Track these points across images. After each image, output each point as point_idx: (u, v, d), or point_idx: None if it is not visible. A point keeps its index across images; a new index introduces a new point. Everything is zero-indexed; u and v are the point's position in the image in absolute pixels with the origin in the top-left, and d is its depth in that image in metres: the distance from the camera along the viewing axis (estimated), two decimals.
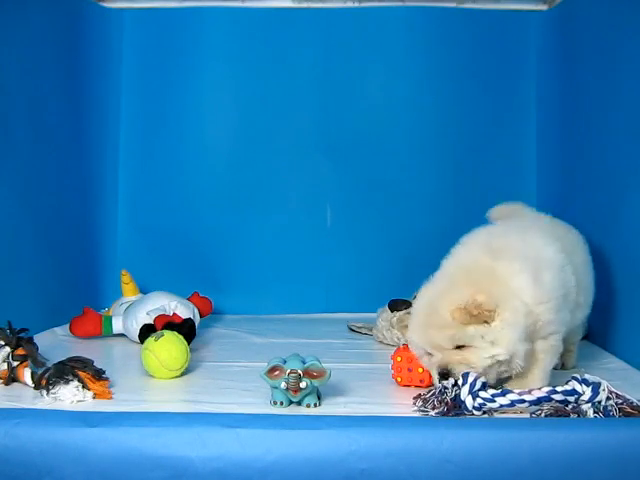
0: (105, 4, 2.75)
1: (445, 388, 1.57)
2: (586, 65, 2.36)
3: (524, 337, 1.60)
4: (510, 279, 1.64)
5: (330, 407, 1.63)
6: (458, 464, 1.32)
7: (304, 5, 2.77)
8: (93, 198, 2.72)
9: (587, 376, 1.53)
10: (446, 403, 1.54)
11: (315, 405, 1.63)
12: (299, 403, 1.63)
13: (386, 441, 1.34)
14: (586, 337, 2.17)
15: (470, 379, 1.54)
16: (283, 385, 1.59)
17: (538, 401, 1.50)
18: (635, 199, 2.00)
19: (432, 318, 1.63)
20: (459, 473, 1.32)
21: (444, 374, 1.60)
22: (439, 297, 1.64)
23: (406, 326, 2.23)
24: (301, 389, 1.59)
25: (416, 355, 1.73)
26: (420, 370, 1.78)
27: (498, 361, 1.58)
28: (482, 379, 1.55)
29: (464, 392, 1.53)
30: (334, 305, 2.77)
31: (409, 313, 2.25)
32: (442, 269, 1.74)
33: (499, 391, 1.54)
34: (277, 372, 1.62)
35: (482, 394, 1.53)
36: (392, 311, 2.31)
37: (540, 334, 1.66)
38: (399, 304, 2.31)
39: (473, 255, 1.71)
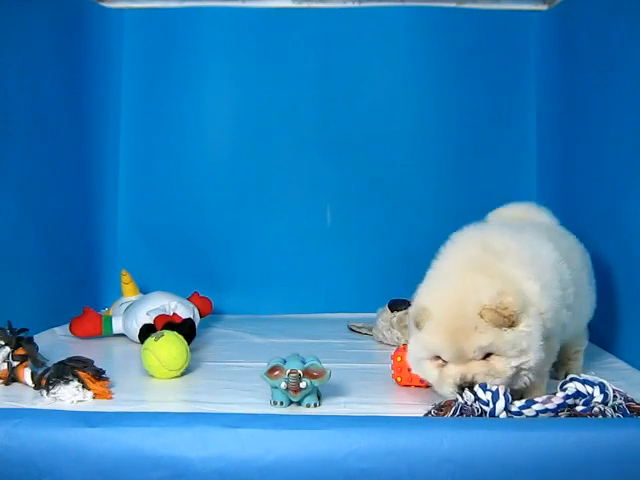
0: (105, 4, 2.75)
1: (466, 404, 1.48)
2: (586, 65, 2.36)
3: (543, 345, 1.53)
4: (520, 284, 1.56)
5: (330, 407, 1.63)
6: (458, 464, 1.32)
7: (304, 5, 2.77)
8: (93, 198, 2.72)
9: (585, 376, 1.53)
10: None
11: (315, 405, 1.63)
12: (299, 403, 1.63)
13: (386, 441, 1.34)
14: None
15: (501, 392, 1.46)
16: (283, 385, 1.59)
17: (557, 408, 1.47)
18: (635, 199, 2.00)
19: (460, 321, 1.51)
20: (459, 473, 1.32)
21: (465, 387, 1.49)
22: (465, 298, 1.52)
23: (406, 326, 2.25)
24: (301, 389, 1.59)
25: (412, 364, 1.61)
26: None
27: (523, 369, 1.51)
28: (509, 391, 1.48)
29: (499, 407, 1.45)
30: (334, 305, 2.77)
31: (409, 313, 2.27)
32: (446, 268, 1.64)
33: (524, 402, 1.47)
34: (277, 372, 1.62)
35: (511, 408, 1.47)
36: (392, 311, 2.31)
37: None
38: (399, 304, 2.31)
39: (475, 255, 1.62)
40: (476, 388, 1.48)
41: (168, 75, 2.79)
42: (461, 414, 1.47)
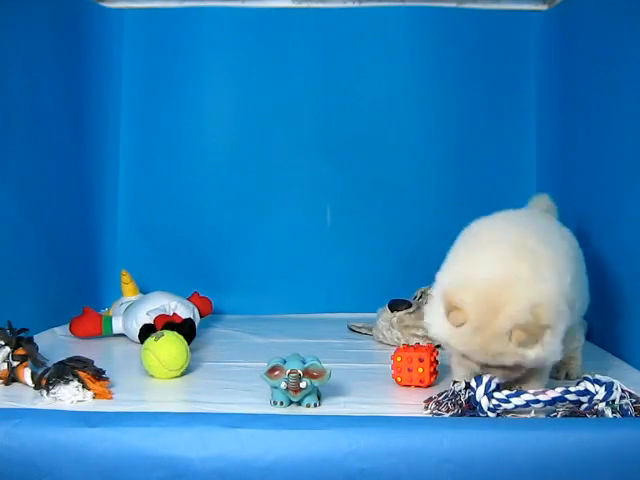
0: (105, 4, 2.75)
1: (459, 390, 1.54)
2: (586, 65, 2.36)
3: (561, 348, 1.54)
4: (548, 290, 1.53)
5: (330, 407, 1.63)
6: (458, 464, 1.32)
7: (304, 5, 2.77)
8: (93, 198, 2.72)
9: (598, 376, 1.52)
10: (460, 405, 1.52)
11: (315, 405, 1.63)
12: (299, 403, 1.63)
13: (386, 441, 1.34)
14: (586, 337, 2.17)
15: (485, 379, 1.50)
16: (283, 385, 1.59)
17: (553, 401, 1.48)
18: (636, 199, 2.00)
19: (490, 325, 1.49)
20: (459, 473, 1.32)
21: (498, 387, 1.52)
22: (497, 302, 1.49)
23: (406, 326, 2.25)
24: (301, 389, 1.59)
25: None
26: (420, 370, 1.78)
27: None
28: (496, 380, 1.51)
29: (479, 393, 1.49)
30: (334, 305, 2.77)
31: (409, 313, 2.27)
32: (472, 246, 1.62)
33: (513, 392, 1.50)
34: (277, 372, 1.62)
35: (497, 395, 1.49)
36: (392, 311, 2.31)
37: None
38: (399, 304, 2.31)
39: (504, 255, 1.57)
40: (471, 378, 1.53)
41: (168, 75, 2.78)
42: (450, 399, 1.53)
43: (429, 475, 1.32)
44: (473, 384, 1.51)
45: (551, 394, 1.49)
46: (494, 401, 1.49)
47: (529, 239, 1.62)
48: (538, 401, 1.48)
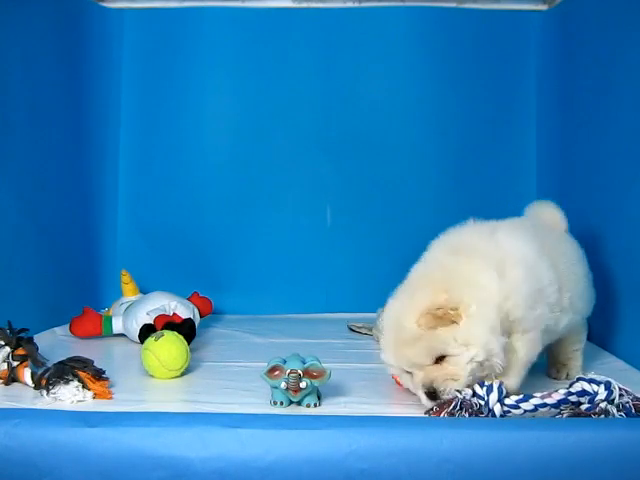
0: (105, 4, 2.75)
1: (464, 399, 1.51)
2: (586, 65, 2.36)
3: (498, 331, 1.55)
4: (473, 276, 1.58)
5: (330, 407, 1.63)
6: (458, 464, 1.32)
7: (304, 5, 2.77)
8: (93, 198, 2.72)
9: (592, 375, 1.52)
10: (474, 414, 1.49)
11: (315, 405, 1.63)
12: (299, 403, 1.63)
13: (386, 441, 1.34)
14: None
15: (495, 386, 1.49)
16: (283, 385, 1.59)
17: (558, 404, 1.48)
18: (636, 198, 2.00)
19: (401, 334, 1.57)
20: (459, 473, 1.32)
21: (431, 394, 1.54)
22: (402, 310, 1.59)
23: None
24: (301, 389, 1.59)
25: (395, 376, 1.68)
26: None
27: (478, 363, 1.53)
28: (503, 385, 1.50)
29: (493, 399, 1.48)
30: (334, 305, 2.77)
31: None
32: (405, 280, 1.70)
33: (522, 396, 1.49)
34: (277, 372, 1.62)
35: (507, 401, 1.48)
36: None
37: (516, 330, 1.61)
38: None
39: (434, 257, 1.68)
40: (475, 385, 1.51)
41: (168, 75, 2.79)
42: (461, 409, 1.49)
43: (429, 475, 1.32)
44: (481, 391, 1.49)
45: (556, 397, 1.48)
46: (504, 407, 1.48)
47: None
48: (545, 404, 1.48)
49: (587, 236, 2.03)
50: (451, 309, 1.53)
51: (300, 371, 1.60)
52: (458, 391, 1.52)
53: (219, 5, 2.77)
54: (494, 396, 1.48)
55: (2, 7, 2.12)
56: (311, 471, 1.32)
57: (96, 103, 2.69)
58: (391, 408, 1.63)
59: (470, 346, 1.53)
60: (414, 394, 1.62)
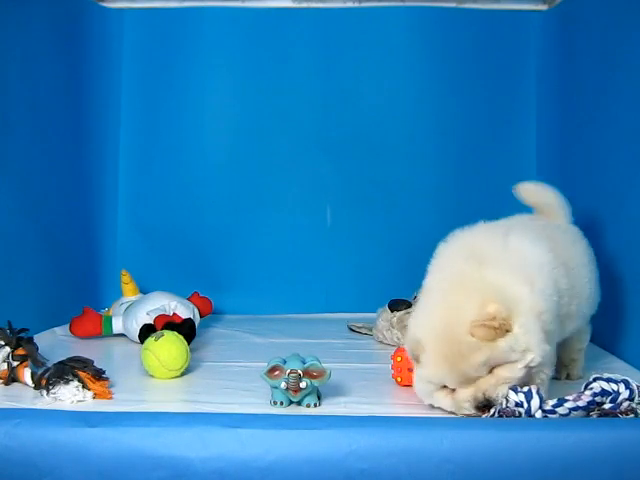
0: (105, 4, 2.75)
1: (501, 406, 1.47)
2: (586, 65, 2.36)
3: (545, 338, 1.52)
4: (509, 288, 1.54)
5: (330, 407, 1.63)
6: (458, 464, 1.32)
7: (304, 5, 2.77)
8: (93, 198, 2.72)
9: (607, 375, 1.51)
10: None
11: (315, 405, 1.63)
12: (299, 403, 1.63)
13: (386, 441, 1.34)
14: None
15: (534, 391, 1.46)
16: (283, 385, 1.59)
17: (588, 406, 1.46)
18: (635, 198, 2.00)
19: (456, 347, 1.48)
20: (459, 473, 1.32)
21: (484, 406, 1.49)
22: (451, 322, 1.50)
23: (406, 326, 2.23)
24: (301, 389, 1.59)
25: (424, 398, 1.58)
26: None
27: (530, 368, 1.50)
28: (541, 390, 1.48)
29: (535, 405, 1.45)
30: (334, 305, 2.77)
31: (409, 313, 2.26)
32: (431, 287, 1.63)
33: (556, 401, 1.47)
34: (277, 372, 1.62)
35: (545, 407, 1.46)
36: (392, 311, 2.31)
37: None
38: (399, 304, 2.31)
39: (459, 268, 1.59)
40: (509, 392, 1.48)
41: (168, 75, 2.79)
42: (500, 416, 1.46)
43: (429, 475, 1.32)
44: (518, 398, 1.46)
45: (585, 398, 1.47)
46: (543, 413, 1.46)
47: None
48: (578, 407, 1.46)
49: (587, 236, 2.02)
50: (503, 319, 1.48)
51: (300, 371, 1.60)
52: (482, 411, 1.49)
53: (219, 5, 2.77)
54: (535, 402, 1.45)
55: (2, 7, 2.12)
56: (311, 471, 1.32)
57: (96, 103, 2.69)
58: (391, 408, 1.63)
59: (527, 352, 1.49)
60: (413, 393, 1.62)
